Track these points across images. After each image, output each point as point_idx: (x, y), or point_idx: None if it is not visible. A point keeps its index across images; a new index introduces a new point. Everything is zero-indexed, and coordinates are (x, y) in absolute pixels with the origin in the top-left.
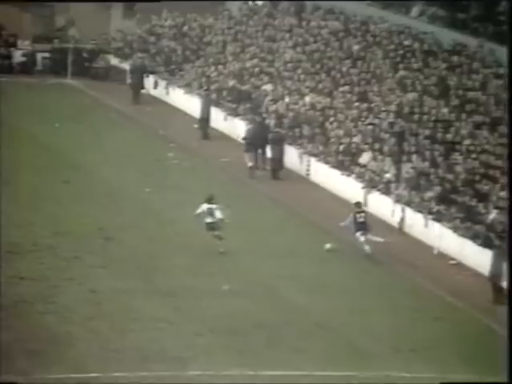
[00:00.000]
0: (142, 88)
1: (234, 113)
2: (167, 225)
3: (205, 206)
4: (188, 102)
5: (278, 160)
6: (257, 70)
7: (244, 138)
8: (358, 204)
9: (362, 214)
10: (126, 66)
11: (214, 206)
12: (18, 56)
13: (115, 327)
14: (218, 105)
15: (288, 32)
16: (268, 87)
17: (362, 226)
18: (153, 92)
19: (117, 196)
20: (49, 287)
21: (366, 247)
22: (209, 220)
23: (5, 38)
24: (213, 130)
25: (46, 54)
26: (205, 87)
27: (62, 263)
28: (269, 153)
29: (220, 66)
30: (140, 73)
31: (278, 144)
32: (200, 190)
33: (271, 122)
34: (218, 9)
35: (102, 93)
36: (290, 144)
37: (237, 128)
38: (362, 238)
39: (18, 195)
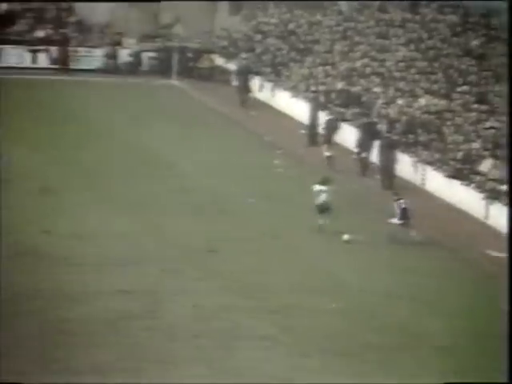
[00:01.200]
0: (249, 91)
1: (343, 117)
2: (270, 238)
3: (317, 187)
4: (294, 106)
5: (390, 168)
6: (367, 70)
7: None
8: (395, 193)
9: (402, 201)
10: (231, 66)
11: (323, 188)
12: (124, 55)
13: (220, 345)
14: (325, 108)
15: (401, 27)
16: (379, 89)
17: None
18: (258, 95)
19: (220, 206)
20: (154, 302)
21: (412, 233)
22: (318, 202)
23: (110, 36)
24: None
25: (152, 54)
26: (312, 89)
27: (167, 276)
28: (379, 160)
29: (328, 67)
30: (246, 75)
31: (390, 151)
32: (305, 201)
33: (382, 126)
34: (326, 4)
35: (206, 95)
36: (403, 151)
37: (345, 134)
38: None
39: (119, 203)
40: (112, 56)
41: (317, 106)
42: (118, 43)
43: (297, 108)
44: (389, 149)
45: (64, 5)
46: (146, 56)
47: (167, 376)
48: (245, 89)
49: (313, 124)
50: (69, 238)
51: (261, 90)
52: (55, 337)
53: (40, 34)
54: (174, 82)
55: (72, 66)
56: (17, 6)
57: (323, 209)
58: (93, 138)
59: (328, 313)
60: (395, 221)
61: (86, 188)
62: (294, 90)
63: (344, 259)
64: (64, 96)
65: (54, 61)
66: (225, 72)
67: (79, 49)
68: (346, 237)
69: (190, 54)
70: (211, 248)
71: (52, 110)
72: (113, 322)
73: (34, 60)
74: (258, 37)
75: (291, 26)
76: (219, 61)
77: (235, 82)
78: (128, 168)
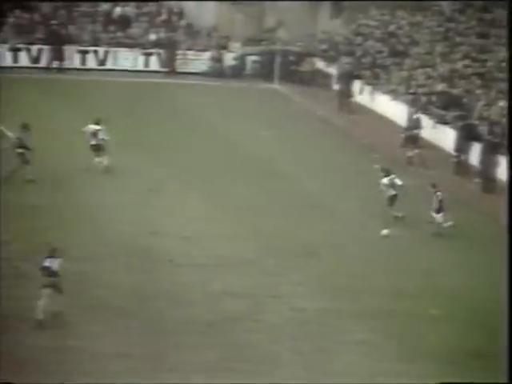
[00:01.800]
0: (350, 96)
1: (443, 120)
2: (370, 244)
3: (385, 180)
4: (394, 110)
5: (490, 171)
6: (468, 71)
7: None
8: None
9: (439, 194)
10: (332, 70)
11: (392, 177)
12: (228, 59)
13: (319, 349)
14: (425, 111)
15: (502, 28)
16: (480, 90)
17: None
18: (358, 99)
19: (319, 210)
20: (255, 304)
21: (450, 223)
22: (390, 193)
23: (217, 39)
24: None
25: (255, 57)
26: (411, 91)
27: (267, 279)
28: (479, 163)
29: (428, 69)
30: (348, 79)
31: (491, 154)
32: (406, 207)
33: (483, 129)
34: (427, 5)
35: (307, 99)
36: (503, 154)
37: (446, 137)
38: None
39: (220, 204)
40: (218, 59)
41: (416, 109)
42: (225, 47)
43: (396, 111)
44: (490, 152)
45: (175, 8)
46: (249, 60)
47: (267, 377)
48: (346, 93)
49: (411, 127)
50: (176, 239)
51: (360, 93)
52: (163, 337)
53: (152, 37)
54: (276, 86)
55: (180, 69)
56: (132, 10)
57: (393, 201)
58: (197, 140)
59: (427, 319)
60: (435, 214)
61: (191, 188)
62: (394, 93)
63: (437, 258)
64: (171, 98)
65: (163, 64)
66: (325, 76)
67: (188, 52)
68: (384, 232)
69: (291, 58)
70: (312, 252)
71: (158, 112)
72: (217, 323)
73: (147, 63)
74: (358, 40)
75: (392, 28)
76: (320, 64)
77: (337, 86)
78: (231, 169)
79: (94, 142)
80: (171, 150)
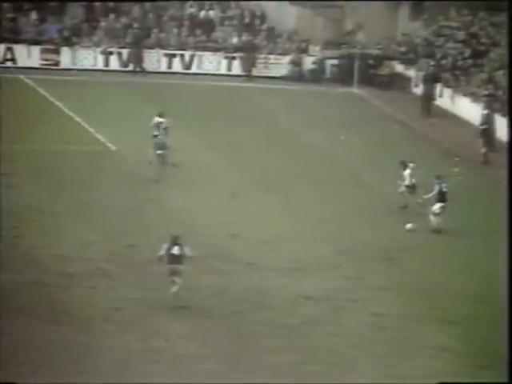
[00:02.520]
0: (433, 99)
1: None
2: (443, 247)
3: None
4: (474, 112)
5: None
6: None
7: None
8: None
9: (444, 185)
10: (411, 72)
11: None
12: (308, 63)
13: (397, 354)
14: (504, 114)
15: None
16: None
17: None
18: (438, 101)
19: (397, 215)
20: (333, 308)
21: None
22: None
23: (297, 43)
24: (498, 141)
25: (334, 61)
26: (486, 93)
27: (346, 283)
28: None
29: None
30: (432, 82)
31: None
32: (484, 215)
33: None
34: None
35: (386, 102)
36: None
37: None
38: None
39: (300, 208)
40: (297, 63)
41: (494, 111)
42: (305, 50)
43: (476, 114)
44: None
45: (258, 12)
46: (328, 63)
47: (344, 381)
48: (429, 96)
49: (491, 129)
50: (256, 243)
51: (440, 96)
52: (241, 339)
53: (235, 40)
54: (355, 89)
55: (260, 73)
56: (217, 14)
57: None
58: (277, 143)
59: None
60: (435, 207)
61: (271, 192)
62: (474, 96)
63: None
64: (251, 102)
65: (244, 68)
66: (404, 79)
67: (269, 56)
68: (409, 226)
69: (370, 61)
70: (390, 256)
71: (238, 115)
72: (296, 326)
73: (230, 67)
74: (439, 41)
75: (474, 29)
76: (399, 67)
77: (420, 89)
78: (310, 173)
79: (156, 133)
80: (252, 153)
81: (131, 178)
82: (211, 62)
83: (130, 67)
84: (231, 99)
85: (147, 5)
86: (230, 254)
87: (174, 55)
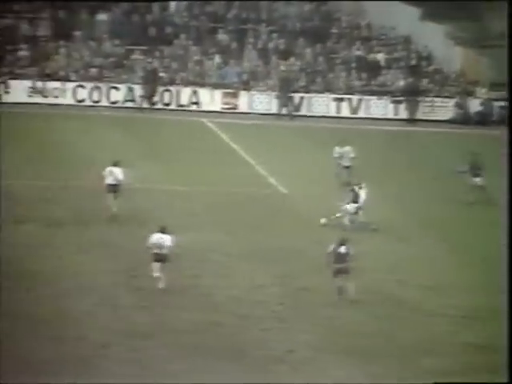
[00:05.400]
0: None
1: None
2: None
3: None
4: None
5: None
6: None
7: None
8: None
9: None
10: None
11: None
12: (475, 105)
13: None
14: None
15: None
16: None
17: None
18: None
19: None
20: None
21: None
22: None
23: (463, 85)
24: None
25: (502, 103)
26: None
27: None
28: None
29: None
30: None
31: None
32: None
33: None
34: None
35: None
36: None
37: None
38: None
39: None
40: (462, 106)
41: None
42: (471, 93)
43: None
44: None
45: (424, 53)
46: (496, 105)
47: None
48: None
49: None
50: (421, 288)
51: None
52: None
53: (401, 83)
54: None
55: (426, 116)
56: (383, 56)
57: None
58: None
59: None
60: (348, 207)
61: (440, 238)
62: None
63: None
64: (412, 147)
65: (408, 111)
66: None
67: (435, 99)
68: (323, 220)
69: None
70: None
71: (400, 162)
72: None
73: (396, 111)
74: None
75: None
76: None
77: None
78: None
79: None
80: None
81: (304, 222)
82: (378, 107)
83: (284, 110)
84: (394, 145)
85: (318, 47)
86: (397, 300)
87: (341, 99)
